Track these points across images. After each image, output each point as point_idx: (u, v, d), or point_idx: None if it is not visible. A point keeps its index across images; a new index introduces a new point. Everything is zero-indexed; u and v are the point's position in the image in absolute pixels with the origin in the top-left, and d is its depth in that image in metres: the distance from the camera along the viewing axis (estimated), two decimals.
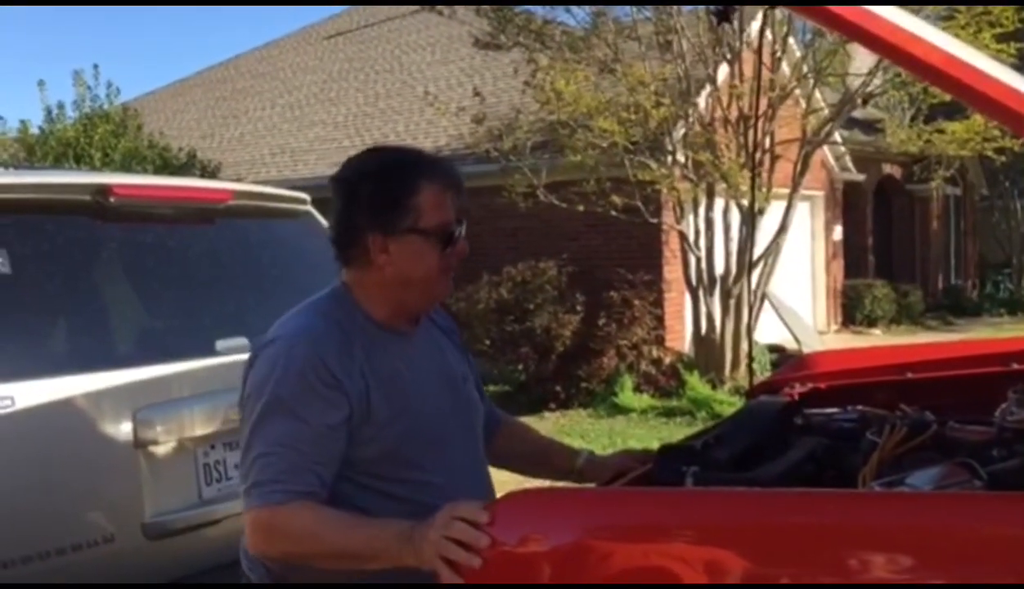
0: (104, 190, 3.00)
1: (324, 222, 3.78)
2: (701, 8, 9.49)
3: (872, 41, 1.55)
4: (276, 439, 1.67)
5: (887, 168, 17.47)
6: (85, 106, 12.51)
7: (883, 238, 17.98)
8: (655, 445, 2.06)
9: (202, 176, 11.66)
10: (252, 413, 1.72)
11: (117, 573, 2.74)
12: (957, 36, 8.03)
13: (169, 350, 3.06)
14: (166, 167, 11.84)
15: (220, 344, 3.10)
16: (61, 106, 12.63)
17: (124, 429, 2.81)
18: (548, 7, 10.00)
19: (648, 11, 9.65)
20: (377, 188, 1.76)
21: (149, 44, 66.00)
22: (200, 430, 2.98)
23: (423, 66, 16.04)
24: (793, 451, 1.88)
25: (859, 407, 2.12)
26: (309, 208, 3.75)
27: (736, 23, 8.96)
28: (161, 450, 2.90)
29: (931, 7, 9.05)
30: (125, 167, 11.36)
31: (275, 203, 3.69)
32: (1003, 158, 10.90)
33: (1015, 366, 2.34)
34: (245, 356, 3.05)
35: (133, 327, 3.20)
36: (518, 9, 10.08)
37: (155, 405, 2.88)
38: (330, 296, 1.85)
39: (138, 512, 2.82)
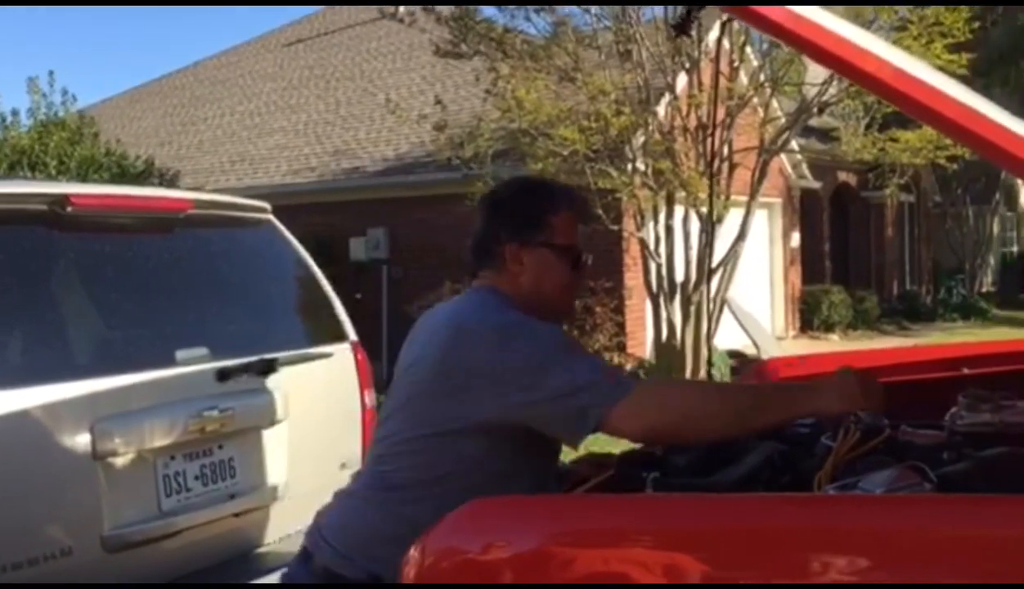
0: (62, 200, 2.97)
1: (285, 231, 3.77)
2: (660, 16, 9.60)
3: (822, 55, 1.59)
4: (586, 358, 1.78)
5: (843, 176, 17.75)
6: (40, 113, 12.32)
7: (839, 245, 18.26)
8: (616, 452, 2.09)
9: (160, 184, 11.53)
10: (540, 356, 1.76)
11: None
12: (909, 47, 8.20)
13: (128, 361, 3.03)
14: (123, 175, 11.68)
15: (180, 354, 3.08)
16: (16, 113, 12.42)
17: (82, 441, 2.77)
18: (509, 17, 10.03)
19: (608, 20, 9.73)
20: (519, 204, 1.99)
21: (105, 51, 65.17)
22: (160, 441, 2.95)
23: (384, 73, 16.02)
24: (751, 456, 1.91)
25: None
26: (270, 217, 3.74)
27: (695, 33, 9.06)
28: (120, 462, 2.87)
29: (884, 17, 9.22)
30: (81, 175, 11.19)
31: (236, 212, 3.67)
32: (955, 166, 11.12)
33: (965, 371, 2.41)
34: (206, 366, 3.07)
35: (91, 338, 3.16)
36: (479, 17, 10.11)
37: (114, 416, 2.84)
38: (490, 294, 1.95)
39: (97, 525, 2.79)
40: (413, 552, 1.57)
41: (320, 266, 3.89)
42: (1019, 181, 22.49)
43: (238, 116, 16.70)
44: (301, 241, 3.89)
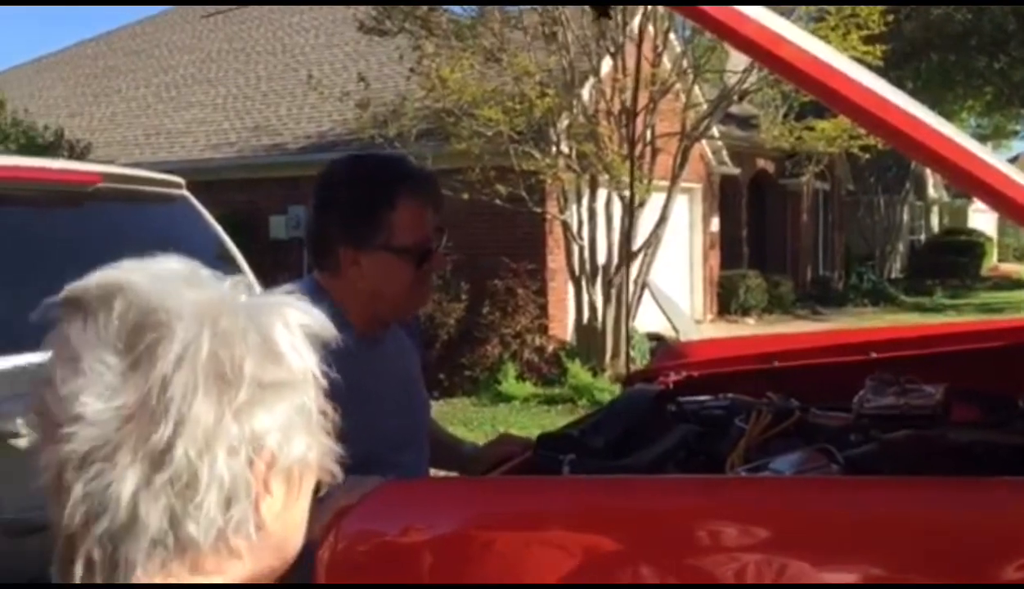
0: None
1: (200, 207, 3.68)
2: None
3: (742, 43, 1.60)
4: None
5: (761, 163, 18.11)
6: None
7: (757, 230, 18.64)
8: (536, 433, 2.10)
9: (70, 157, 11.14)
10: None
11: None
12: (827, 38, 8.40)
13: (30, 341, 2.91)
14: (31, 146, 11.26)
15: None
16: None
17: None
18: None
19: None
20: (352, 199, 1.71)
21: (9, 17, 62.46)
22: None
23: (307, 49, 15.73)
24: (666, 438, 1.94)
25: (729, 395, 2.20)
26: (184, 192, 3.64)
27: (619, 17, 9.12)
28: (23, 443, 2.76)
29: (803, 8, 9.42)
30: None
31: (148, 187, 3.56)
32: (868, 155, 11.45)
33: (873, 355, 2.47)
34: None
35: None
36: None
37: (7, 398, 2.73)
38: (308, 292, 1.80)
39: None
40: (328, 536, 1.55)
41: (239, 244, 3.80)
42: (928, 171, 23.30)
43: (154, 88, 16.21)
44: (219, 218, 3.80)
